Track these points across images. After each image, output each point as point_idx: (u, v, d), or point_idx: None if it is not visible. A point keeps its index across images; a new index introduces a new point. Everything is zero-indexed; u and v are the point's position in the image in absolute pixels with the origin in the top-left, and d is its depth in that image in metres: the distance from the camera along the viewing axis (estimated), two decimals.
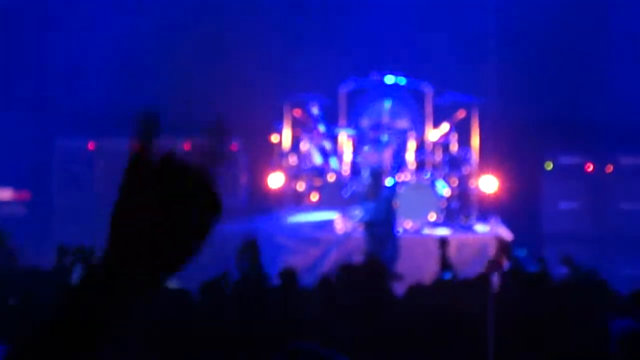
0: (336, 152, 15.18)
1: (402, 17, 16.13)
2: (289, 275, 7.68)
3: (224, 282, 6.95)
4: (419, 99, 15.57)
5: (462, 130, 15.17)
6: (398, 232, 12.91)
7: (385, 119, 15.17)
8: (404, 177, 14.53)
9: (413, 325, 6.25)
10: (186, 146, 15.84)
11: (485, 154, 15.38)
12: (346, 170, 14.98)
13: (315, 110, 15.17)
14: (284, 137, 15.36)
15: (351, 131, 15.21)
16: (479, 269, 11.33)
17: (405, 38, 15.99)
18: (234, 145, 16.02)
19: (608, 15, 16.21)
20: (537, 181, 15.99)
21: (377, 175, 13.20)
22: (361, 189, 13.85)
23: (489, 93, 15.71)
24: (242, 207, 15.86)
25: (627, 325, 4.90)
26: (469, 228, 14.22)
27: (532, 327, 6.17)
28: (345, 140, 15.26)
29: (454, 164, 14.96)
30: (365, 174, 13.87)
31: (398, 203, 13.01)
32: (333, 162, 14.99)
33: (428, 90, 15.47)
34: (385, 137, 14.80)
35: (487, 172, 15.24)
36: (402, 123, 15.28)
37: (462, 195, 14.91)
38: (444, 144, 15.16)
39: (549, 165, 15.88)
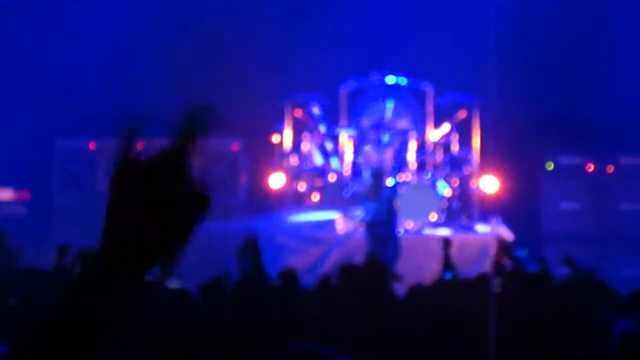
0: (337, 153, 15.18)
1: (402, 17, 16.12)
2: (290, 275, 7.67)
3: (223, 282, 6.95)
4: (420, 99, 15.57)
5: (463, 131, 15.16)
6: (399, 232, 12.90)
7: (386, 119, 15.17)
8: (404, 177, 14.52)
9: (414, 325, 6.25)
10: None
11: (486, 154, 15.37)
12: (347, 170, 14.98)
13: (316, 111, 15.17)
14: (285, 137, 15.36)
15: (352, 131, 15.20)
16: (479, 269, 11.35)
17: (405, 38, 15.98)
18: (235, 146, 16.02)
19: (608, 15, 16.21)
20: (537, 181, 15.98)
21: (378, 175, 13.20)
22: (362, 189, 13.85)
23: (490, 93, 15.71)
24: (242, 207, 15.86)
25: (628, 325, 4.90)
26: (469, 228, 14.21)
27: (532, 327, 6.17)
28: (346, 140, 15.26)
29: (454, 164, 14.96)
30: (366, 175, 13.87)
31: (399, 203, 13.00)
32: (334, 163, 14.99)
33: (429, 90, 15.47)
34: (386, 138, 14.80)
35: (488, 173, 15.23)
36: (403, 123, 15.27)
37: (463, 195, 14.91)
38: (444, 144, 15.16)
39: (550, 166, 15.87)
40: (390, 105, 15.37)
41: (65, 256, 9.19)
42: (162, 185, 1.45)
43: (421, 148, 15.13)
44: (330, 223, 13.99)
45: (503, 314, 5.98)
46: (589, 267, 8.84)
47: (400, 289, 8.33)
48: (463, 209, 14.80)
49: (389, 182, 13.45)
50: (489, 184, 15.12)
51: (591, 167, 15.86)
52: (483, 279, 7.79)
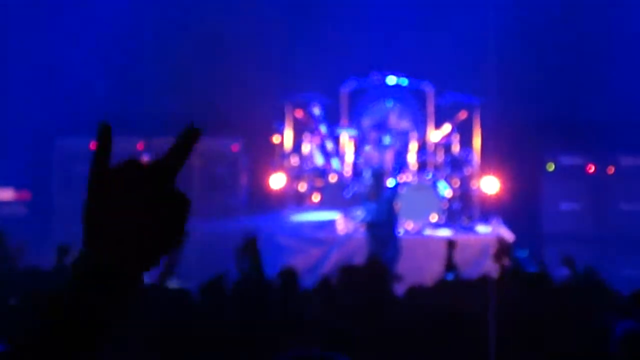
0: (338, 153, 15.18)
1: (403, 18, 16.12)
2: (290, 275, 7.67)
3: (223, 282, 6.95)
4: (421, 99, 15.57)
5: (463, 131, 15.16)
6: (399, 233, 12.90)
7: (387, 119, 15.18)
8: (405, 178, 14.52)
9: (414, 326, 6.25)
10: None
11: (487, 155, 15.37)
12: (348, 171, 14.98)
13: (316, 111, 15.17)
14: (286, 137, 15.36)
15: (353, 131, 15.21)
16: (480, 269, 11.35)
17: (406, 38, 15.98)
18: (235, 146, 16.02)
19: (608, 15, 16.20)
20: (538, 182, 15.98)
21: (378, 176, 13.19)
22: (363, 189, 13.85)
23: (490, 93, 15.70)
24: (242, 207, 15.87)
25: (628, 326, 4.90)
26: (470, 229, 14.21)
27: (532, 328, 6.17)
28: (346, 140, 15.26)
29: (455, 165, 14.96)
30: (367, 175, 13.86)
31: (399, 204, 13.00)
32: (335, 163, 14.99)
33: (429, 91, 15.47)
34: (387, 139, 14.81)
35: (489, 173, 15.23)
36: (404, 124, 15.28)
37: (464, 196, 14.92)
38: (445, 145, 15.16)
39: (551, 167, 15.87)
40: (390, 106, 15.37)
41: (65, 256, 9.19)
42: (138, 188, 1.45)
43: (422, 149, 15.14)
44: (331, 223, 13.99)
45: (503, 314, 5.98)
46: (589, 267, 8.84)
47: (400, 289, 8.33)
48: (464, 209, 14.81)
49: (390, 182, 13.44)
50: (490, 185, 15.12)
51: (591, 168, 15.86)
52: (483, 279, 7.79)
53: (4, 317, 5.99)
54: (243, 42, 16.18)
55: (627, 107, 15.72)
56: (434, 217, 14.17)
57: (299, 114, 15.40)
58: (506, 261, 9.65)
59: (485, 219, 14.61)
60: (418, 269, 12.03)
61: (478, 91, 15.29)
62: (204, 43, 16.21)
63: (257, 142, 15.97)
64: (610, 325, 5.20)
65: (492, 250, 10.48)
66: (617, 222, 15.71)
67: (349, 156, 15.13)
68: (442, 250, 10.98)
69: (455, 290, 7.91)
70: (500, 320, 5.89)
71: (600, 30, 16.14)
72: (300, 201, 15.13)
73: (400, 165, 14.75)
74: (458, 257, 10.73)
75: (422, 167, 14.98)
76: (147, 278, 1.51)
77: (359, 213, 13.58)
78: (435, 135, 15.22)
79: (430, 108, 15.43)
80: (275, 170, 15.39)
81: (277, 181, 15.28)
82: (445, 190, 14.56)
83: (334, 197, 14.54)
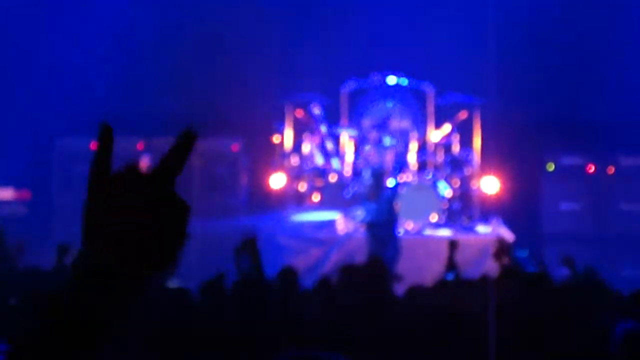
0: (338, 153, 15.18)
1: (403, 18, 16.12)
2: (289, 275, 7.67)
3: (222, 282, 6.94)
4: (421, 99, 15.57)
5: (463, 131, 15.16)
6: (399, 233, 12.90)
7: (387, 119, 15.18)
8: (405, 178, 14.52)
9: (414, 326, 6.25)
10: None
11: (487, 155, 15.37)
12: (348, 171, 14.98)
13: (316, 111, 15.17)
14: (286, 137, 15.36)
15: (353, 132, 15.21)
16: (480, 269, 11.35)
17: (406, 38, 15.97)
18: (235, 146, 16.02)
19: (608, 15, 16.20)
20: (538, 182, 15.98)
21: (378, 176, 13.19)
22: (362, 189, 13.84)
23: (490, 94, 15.71)
24: (242, 206, 15.87)
25: (628, 326, 4.90)
26: (470, 229, 14.21)
27: (532, 328, 6.17)
28: (346, 140, 15.26)
29: (455, 165, 14.96)
30: (367, 175, 13.86)
31: (399, 204, 13.00)
32: (335, 163, 14.99)
33: (429, 91, 15.47)
34: (387, 139, 14.81)
35: (489, 173, 15.23)
36: (404, 124, 15.28)
37: (464, 196, 14.92)
38: (445, 145, 15.17)
39: (551, 167, 15.87)
40: (390, 106, 15.38)
41: (65, 256, 9.19)
42: (138, 195, 1.45)
43: (422, 149, 15.14)
44: (331, 223, 13.99)
45: (503, 314, 5.98)
46: (589, 267, 8.85)
47: (400, 289, 8.33)
48: (464, 209, 14.81)
49: (390, 182, 13.44)
50: (490, 185, 15.12)
51: (591, 168, 15.86)
52: (483, 279, 7.79)
53: (4, 317, 5.99)
54: (243, 42, 16.19)
55: (627, 107, 15.73)
56: (434, 217, 14.17)
57: (299, 114, 15.40)
58: (506, 261, 9.65)
59: (485, 219, 14.61)
60: (418, 269, 12.03)
61: (478, 91, 15.30)
62: (203, 43, 16.22)
63: (257, 142, 15.97)
64: (610, 325, 5.20)
65: (492, 250, 10.48)
66: (617, 222, 15.71)
67: (349, 156, 15.13)
68: (442, 250, 10.98)
69: (455, 290, 7.91)
70: (500, 320, 5.89)
71: (600, 30, 16.14)
72: (300, 201, 15.13)
73: (400, 165, 14.75)
74: (458, 257, 10.73)
75: (422, 167, 14.98)
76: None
77: (359, 213, 13.58)
78: (435, 135, 15.22)
79: (431, 108, 15.43)
80: (275, 170, 15.39)
81: (277, 181, 15.28)
82: (445, 190, 14.56)
83: (334, 197, 14.54)
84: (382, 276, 8.13)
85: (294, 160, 15.15)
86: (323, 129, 15.13)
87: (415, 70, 15.41)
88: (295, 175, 15.16)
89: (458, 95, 15.09)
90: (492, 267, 10.35)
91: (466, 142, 15.14)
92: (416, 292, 7.49)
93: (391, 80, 15.38)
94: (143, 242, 1.44)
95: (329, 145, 15.13)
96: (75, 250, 8.65)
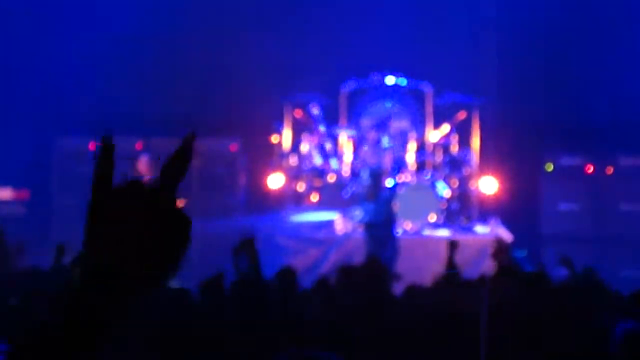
0: (336, 153, 15.18)
1: (402, 18, 16.12)
2: (288, 275, 7.67)
3: (221, 281, 6.94)
4: (419, 99, 15.58)
5: (462, 132, 15.17)
6: (398, 233, 12.91)
7: (386, 119, 15.18)
8: (404, 178, 14.52)
9: (412, 326, 6.25)
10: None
11: (486, 155, 15.38)
12: (346, 171, 14.98)
13: (315, 111, 15.17)
14: (284, 137, 15.36)
15: (351, 132, 15.21)
16: (478, 269, 11.36)
17: (405, 39, 15.98)
18: (234, 146, 16.02)
19: (608, 16, 16.20)
20: (537, 182, 15.99)
21: (377, 176, 13.19)
22: (361, 190, 13.85)
23: (489, 94, 15.71)
24: (241, 206, 15.87)
25: (628, 326, 4.90)
26: (469, 229, 14.22)
27: (531, 328, 6.17)
28: (345, 141, 15.26)
29: (454, 165, 14.97)
30: (365, 175, 13.87)
31: (398, 204, 13.00)
32: (333, 163, 15.00)
33: (428, 91, 15.48)
34: (385, 139, 14.81)
35: (487, 173, 15.23)
36: (403, 124, 15.29)
37: (462, 196, 14.92)
38: (444, 145, 15.17)
39: (550, 167, 15.87)
40: (389, 106, 15.38)
41: (63, 256, 9.18)
42: (141, 210, 1.46)
43: (420, 149, 15.14)
44: (329, 224, 13.99)
45: (501, 314, 5.98)
46: (589, 267, 8.85)
47: (399, 289, 8.33)
48: (462, 209, 14.81)
49: (388, 182, 13.45)
50: (488, 185, 15.12)
51: (590, 168, 15.87)
52: (482, 279, 7.80)
53: (3, 317, 5.99)
54: (242, 42, 16.18)
55: (626, 107, 15.74)
56: (432, 218, 14.17)
57: (298, 113, 15.40)
58: (504, 261, 9.65)
59: (483, 219, 14.62)
60: (417, 269, 12.02)
61: (477, 91, 15.30)
62: (202, 42, 16.21)
63: (256, 142, 15.97)
64: (610, 325, 5.20)
65: (491, 250, 10.49)
66: (615, 223, 15.71)
67: (348, 156, 15.13)
68: (441, 251, 10.97)
69: (453, 290, 7.91)
70: (498, 320, 5.89)
71: (599, 31, 16.15)
72: (298, 201, 15.14)
73: (398, 165, 14.75)
74: (457, 257, 10.72)
75: (420, 167, 14.98)
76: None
77: (358, 213, 13.59)
78: (434, 135, 15.22)
79: (429, 108, 15.44)
80: (273, 170, 15.39)
81: (275, 181, 15.28)
82: (444, 190, 14.57)
83: (333, 197, 14.55)
84: (380, 276, 8.13)
85: (293, 161, 15.15)
86: (322, 128, 15.14)
87: (414, 70, 15.42)
88: (294, 175, 15.16)
89: (457, 95, 15.10)
90: (490, 267, 10.35)
91: (465, 143, 15.15)
92: (415, 292, 7.50)
93: (390, 80, 15.39)
94: (144, 247, 1.44)
95: (328, 146, 15.14)
96: (74, 251, 8.65)
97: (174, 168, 1.50)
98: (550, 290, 7.45)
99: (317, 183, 14.94)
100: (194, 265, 10.91)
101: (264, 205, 15.33)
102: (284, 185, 15.22)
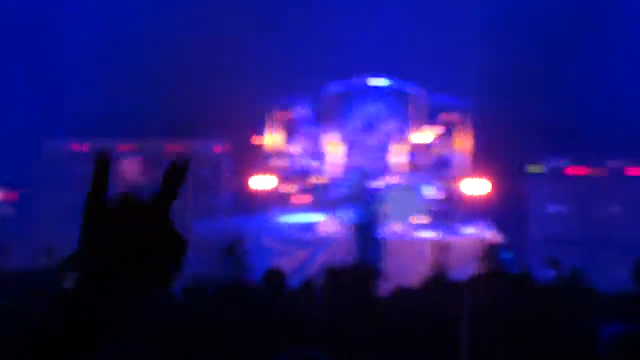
0: (323, 155, 15.18)
1: (390, 20, 16.13)
2: (275, 276, 7.67)
3: (206, 283, 6.94)
4: (406, 101, 15.59)
5: (450, 133, 15.19)
6: (385, 234, 12.91)
7: (372, 121, 15.19)
8: (391, 179, 14.53)
9: (399, 327, 6.26)
10: (171, 148, 15.83)
11: (473, 157, 15.40)
12: (333, 172, 14.98)
13: (302, 112, 15.17)
14: (270, 139, 15.35)
15: (338, 133, 15.21)
16: (466, 271, 11.37)
17: (393, 40, 15.99)
18: (218, 147, 16.01)
19: (597, 17, 16.24)
20: (525, 184, 16.02)
21: (363, 177, 13.20)
22: (348, 191, 13.85)
23: (478, 96, 15.73)
24: (227, 208, 15.86)
25: (617, 328, 4.92)
26: (456, 231, 14.23)
27: (518, 329, 6.18)
28: (332, 142, 15.26)
29: (442, 167, 14.98)
30: (352, 177, 13.88)
31: (385, 205, 13.01)
32: (319, 165, 14.99)
33: (414, 92, 15.49)
34: (372, 140, 14.83)
35: (476, 175, 15.25)
36: (389, 125, 15.30)
37: (450, 197, 14.93)
38: (432, 146, 15.18)
39: (538, 169, 15.91)
40: (376, 108, 15.39)
41: (50, 256, 9.17)
42: (134, 228, 1.47)
43: (408, 150, 15.15)
44: (316, 225, 13.99)
45: (488, 315, 6.00)
46: (577, 269, 8.88)
47: (386, 290, 8.34)
48: (450, 211, 14.82)
49: (375, 184, 13.45)
50: (476, 187, 15.14)
51: (578, 171, 15.92)
52: (469, 280, 7.81)
53: None
54: (228, 44, 16.17)
55: (615, 110, 15.78)
56: (420, 219, 14.18)
57: (284, 115, 15.40)
58: (492, 263, 9.68)
59: (471, 220, 14.63)
60: (404, 270, 12.03)
61: (465, 93, 15.33)
62: (188, 45, 16.19)
63: (242, 143, 15.96)
64: (596, 326, 5.22)
65: (478, 251, 10.51)
66: (602, 225, 15.77)
67: (334, 158, 15.13)
68: (428, 252, 10.98)
69: (440, 292, 7.92)
70: (485, 321, 5.90)
71: (588, 33, 16.19)
72: (285, 203, 15.13)
73: (385, 167, 14.77)
74: (444, 258, 10.75)
75: (408, 168, 14.99)
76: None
77: (344, 214, 13.59)
78: (421, 136, 15.23)
79: (416, 109, 15.45)
80: (259, 171, 15.38)
81: (261, 182, 15.27)
82: (432, 192, 14.58)
83: (319, 199, 14.55)
84: (367, 277, 8.13)
85: (279, 162, 15.15)
86: (308, 130, 15.14)
87: (401, 71, 15.44)
88: (280, 176, 15.15)
89: (445, 97, 15.12)
90: (477, 269, 10.36)
91: (453, 144, 15.17)
92: (402, 293, 7.50)
93: (376, 82, 15.41)
94: (139, 254, 1.45)
95: (314, 147, 15.14)
96: (59, 251, 8.64)
97: (168, 186, 1.51)
98: (536, 292, 7.46)
99: (304, 185, 14.94)
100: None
101: (249, 207, 15.32)
102: (269, 186, 15.21)
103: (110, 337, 1.43)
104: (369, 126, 15.12)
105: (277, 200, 15.14)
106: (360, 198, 12.51)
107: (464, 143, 15.17)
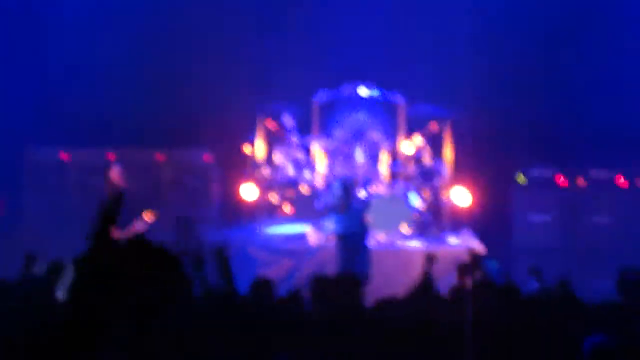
0: (309, 164, 15.17)
1: (375, 29, 16.15)
2: (263, 285, 7.65)
3: (190, 292, 6.90)
4: (392, 111, 15.60)
5: (435, 143, 15.20)
6: (370, 244, 12.89)
7: (358, 130, 15.19)
8: (376, 189, 14.52)
9: (384, 337, 6.25)
10: (159, 157, 15.78)
11: (458, 167, 15.41)
12: (319, 182, 14.97)
13: (288, 121, 15.16)
14: (257, 148, 15.33)
15: (324, 142, 15.21)
16: (450, 281, 11.36)
17: (378, 49, 16.01)
18: (206, 156, 15.98)
19: (581, 29, 16.29)
20: (509, 194, 16.04)
21: (348, 187, 13.18)
22: (333, 201, 13.83)
23: (462, 106, 15.75)
24: (214, 218, 15.83)
25: (598, 339, 4.92)
26: (441, 240, 14.23)
27: (503, 339, 6.18)
28: (318, 151, 15.25)
29: (426, 177, 14.98)
30: (337, 186, 13.86)
31: (370, 215, 12.99)
32: (306, 174, 14.98)
33: (400, 102, 15.50)
34: (358, 150, 14.82)
35: (461, 185, 15.26)
36: (375, 135, 15.30)
37: (435, 207, 14.93)
38: (416, 156, 15.19)
39: (522, 179, 15.93)
40: (361, 117, 15.39)
41: (34, 265, 9.12)
42: (143, 268, 1.47)
43: (393, 160, 15.15)
44: (302, 235, 13.96)
45: (473, 326, 5.99)
46: (562, 279, 8.88)
47: (371, 301, 8.32)
48: (434, 221, 14.82)
49: (361, 194, 13.44)
50: (461, 197, 15.15)
51: (562, 180, 15.94)
52: (453, 291, 7.81)
53: None
54: (215, 52, 16.16)
55: (597, 120, 15.82)
56: (404, 229, 14.17)
57: (271, 124, 15.39)
58: (476, 273, 9.66)
59: (456, 230, 14.64)
60: (389, 280, 12.02)
61: (450, 103, 15.34)
62: (174, 53, 16.18)
63: (229, 153, 15.94)
64: (581, 337, 5.22)
65: (462, 262, 10.49)
66: (586, 235, 15.79)
67: (320, 167, 15.12)
68: (414, 262, 10.97)
69: (427, 302, 7.91)
70: (472, 332, 5.89)
71: (572, 43, 16.23)
72: (271, 212, 15.10)
73: (371, 177, 14.76)
74: (430, 268, 10.72)
75: (393, 178, 14.99)
76: None
77: (330, 224, 13.57)
78: (406, 146, 15.24)
79: (401, 119, 15.46)
80: (246, 181, 15.36)
81: (248, 192, 15.24)
82: (416, 201, 14.58)
83: (305, 209, 14.53)
84: (353, 288, 8.12)
85: (266, 172, 15.13)
86: (294, 139, 15.13)
87: (386, 81, 15.45)
88: (267, 186, 15.13)
89: (429, 106, 15.13)
90: (462, 279, 10.35)
91: (437, 154, 15.18)
92: (387, 304, 7.49)
93: (362, 91, 15.41)
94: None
95: (300, 157, 15.13)
96: (43, 259, 8.59)
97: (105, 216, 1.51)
98: (522, 302, 7.46)
99: (290, 194, 14.92)
100: None
101: (237, 217, 15.29)
102: (257, 196, 15.19)
103: (109, 337, 1.42)
104: (355, 136, 15.12)
105: (263, 210, 15.12)
106: (345, 208, 12.48)
107: (449, 153, 15.17)
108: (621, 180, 16.05)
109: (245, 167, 15.50)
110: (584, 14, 16.36)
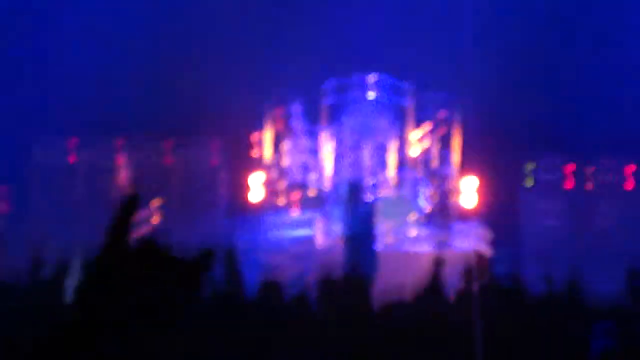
0: (316, 167, 15.16)
1: (384, 17, 16.12)
2: (272, 288, 7.66)
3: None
4: (401, 99, 15.50)
5: (443, 145, 15.17)
6: (378, 246, 12.89)
7: (367, 119, 15.15)
8: (384, 191, 14.52)
9: (391, 339, 6.25)
10: (167, 145, 15.78)
11: (466, 169, 15.38)
12: (326, 184, 14.96)
13: (296, 112, 15.13)
14: (265, 151, 15.33)
15: (331, 145, 15.19)
16: (458, 284, 11.35)
17: (388, 38, 15.96)
18: (214, 159, 15.99)
19: (588, 23, 16.24)
20: (517, 197, 16.02)
21: (356, 189, 13.19)
22: (340, 203, 13.84)
23: (471, 96, 15.66)
24: (221, 220, 15.83)
25: (605, 343, 4.92)
26: (448, 243, 14.21)
27: (510, 342, 6.17)
28: (325, 154, 15.24)
29: (434, 178, 14.97)
30: (345, 189, 13.87)
31: (378, 217, 13.00)
32: (314, 176, 14.98)
33: (409, 90, 15.41)
34: (365, 153, 14.82)
35: (469, 187, 15.24)
36: (384, 124, 15.24)
37: (443, 209, 14.91)
38: (425, 158, 15.17)
39: (530, 182, 15.91)
40: (370, 107, 15.35)
41: (41, 268, 9.11)
42: (154, 273, 1.48)
43: (401, 162, 15.14)
44: (309, 237, 13.96)
45: (481, 329, 5.98)
46: (571, 282, 8.86)
47: (379, 303, 8.31)
48: (442, 223, 14.80)
49: (368, 196, 13.44)
50: (469, 199, 15.13)
51: (570, 184, 15.92)
52: (461, 294, 7.80)
53: None
54: (223, 46, 16.11)
55: (607, 122, 15.78)
56: (412, 230, 14.17)
57: (279, 118, 15.33)
58: (484, 276, 9.65)
59: (464, 232, 14.62)
60: (396, 282, 12.01)
61: (459, 92, 15.29)
62: (183, 47, 16.15)
63: (237, 154, 15.92)
64: (588, 341, 5.21)
65: (470, 265, 10.48)
66: (595, 238, 15.77)
67: (328, 170, 15.12)
68: (421, 264, 10.96)
69: (433, 305, 7.91)
70: (478, 334, 5.89)
71: (584, 35, 16.18)
72: (279, 214, 15.10)
73: (378, 179, 14.75)
74: (437, 270, 10.70)
75: (400, 180, 14.98)
76: None
77: (338, 226, 13.57)
78: (414, 148, 15.22)
79: (410, 107, 15.40)
80: (253, 183, 15.35)
81: (255, 194, 15.24)
82: (424, 203, 14.57)
83: (313, 211, 14.53)
84: (360, 290, 8.12)
85: (273, 174, 15.12)
86: (301, 142, 15.11)
87: (396, 69, 15.38)
88: (274, 189, 15.13)
89: (438, 95, 15.08)
90: (469, 282, 10.33)
91: (445, 156, 15.15)
92: (393, 306, 7.49)
93: (371, 79, 15.35)
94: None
95: (307, 159, 15.11)
96: (49, 254, 8.60)
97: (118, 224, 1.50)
98: (528, 306, 7.45)
99: (298, 196, 14.92)
100: None
101: (244, 218, 15.28)
102: (265, 198, 15.19)
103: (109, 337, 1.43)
104: (365, 124, 15.08)
105: (271, 212, 15.12)
106: (353, 210, 12.50)
107: (457, 156, 15.16)
108: (632, 184, 16.02)
109: (252, 170, 15.49)
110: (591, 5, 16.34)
